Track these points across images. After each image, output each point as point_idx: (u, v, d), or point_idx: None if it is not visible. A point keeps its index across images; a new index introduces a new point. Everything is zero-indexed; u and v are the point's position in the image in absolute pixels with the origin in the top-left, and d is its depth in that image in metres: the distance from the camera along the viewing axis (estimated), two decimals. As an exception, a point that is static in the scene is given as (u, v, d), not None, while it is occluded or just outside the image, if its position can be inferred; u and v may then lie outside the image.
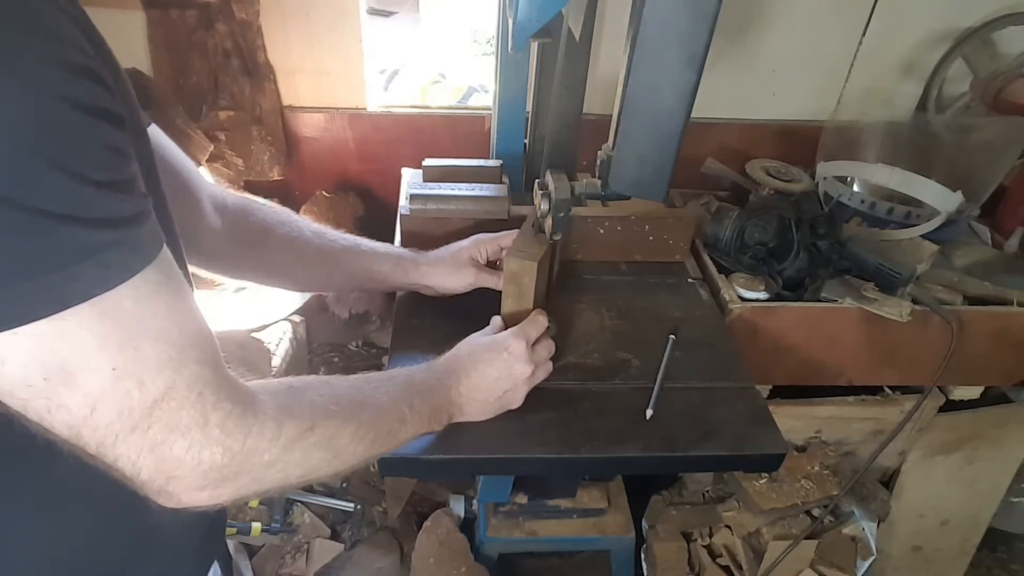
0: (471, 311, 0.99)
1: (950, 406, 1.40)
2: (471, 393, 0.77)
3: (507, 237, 0.98)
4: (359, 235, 0.96)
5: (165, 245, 0.46)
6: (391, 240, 1.17)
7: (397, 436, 0.67)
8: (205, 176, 0.87)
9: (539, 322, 0.83)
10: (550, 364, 0.84)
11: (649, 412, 0.88)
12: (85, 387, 0.42)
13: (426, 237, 1.09)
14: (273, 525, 1.41)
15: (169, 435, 0.46)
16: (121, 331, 0.42)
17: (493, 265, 1.01)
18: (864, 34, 1.45)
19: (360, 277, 0.95)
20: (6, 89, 0.36)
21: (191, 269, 0.85)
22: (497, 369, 0.78)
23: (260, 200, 0.88)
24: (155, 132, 0.72)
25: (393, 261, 0.96)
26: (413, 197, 1.08)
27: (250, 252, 0.85)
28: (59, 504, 0.54)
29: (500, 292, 0.93)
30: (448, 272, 0.97)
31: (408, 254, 0.97)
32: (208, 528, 0.70)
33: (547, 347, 0.84)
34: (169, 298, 0.45)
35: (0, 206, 0.36)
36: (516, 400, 0.81)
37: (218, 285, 1.43)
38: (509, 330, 0.81)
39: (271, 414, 0.52)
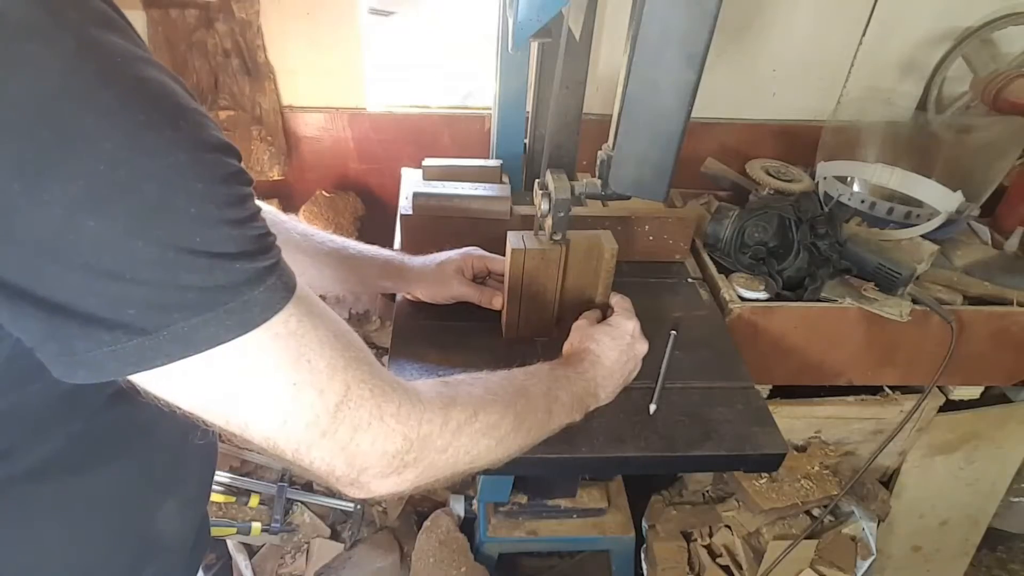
0: (472, 312, 0.99)
1: (950, 406, 1.40)
2: (605, 380, 0.82)
3: (496, 261, 0.98)
4: (359, 235, 0.96)
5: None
6: (391, 240, 1.17)
7: (548, 426, 0.71)
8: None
9: (628, 301, 0.90)
10: (647, 341, 0.88)
11: (652, 407, 0.88)
12: (273, 403, 0.45)
13: (426, 236, 1.09)
14: (273, 525, 1.41)
15: (355, 434, 0.49)
16: (293, 348, 0.45)
17: (480, 282, 1.00)
18: (864, 34, 1.45)
19: (348, 281, 0.95)
20: (174, 148, 0.38)
21: None
22: (624, 352, 0.84)
23: None
24: None
25: (380, 266, 0.95)
26: (416, 195, 1.08)
27: None
28: (74, 514, 0.54)
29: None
30: (433, 283, 0.98)
31: (396, 260, 0.97)
32: (196, 534, 0.71)
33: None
34: (318, 309, 0.48)
35: (185, 254, 0.39)
36: (633, 376, 0.87)
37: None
38: (621, 314, 0.87)
39: (436, 403, 0.55)
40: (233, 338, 0.41)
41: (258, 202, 0.64)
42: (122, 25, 0.39)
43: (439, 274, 0.98)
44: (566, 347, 0.85)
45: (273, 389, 0.45)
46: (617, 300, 0.91)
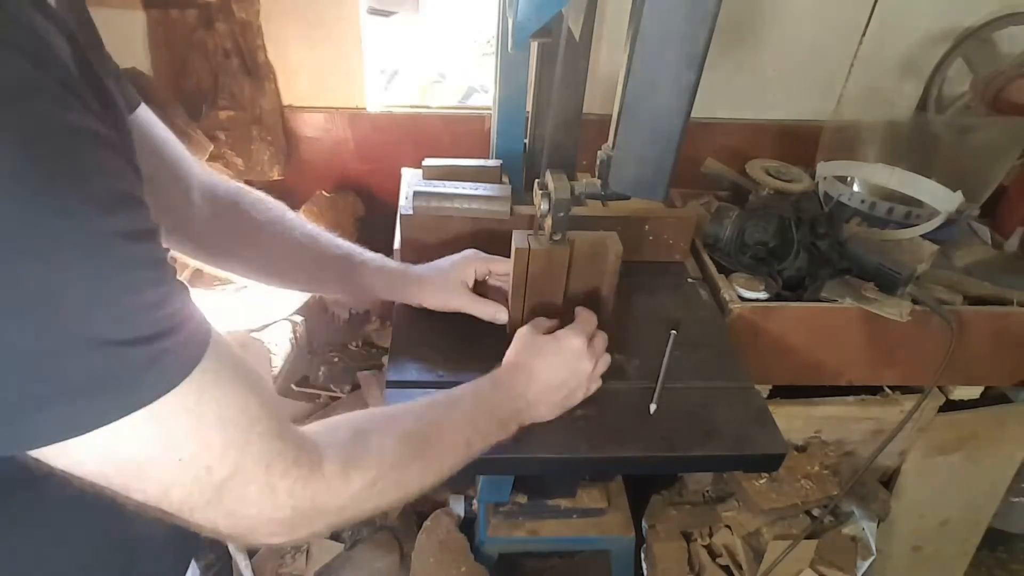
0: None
1: (950, 406, 1.40)
2: (540, 397, 0.79)
3: (499, 263, 0.98)
4: (358, 235, 0.96)
5: (213, 329, 0.47)
6: (391, 240, 1.17)
7: (465, 458, 0.69)
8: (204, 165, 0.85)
9: (591, 316, 0.85)
10: (608, 356, 0.85)
11: (653, 407, 0.88)
12: (156, 477, 0.45)
13: (426, 236, 1.09)
14: (273, 525, 1.41)
15: (240, 505, 0.48)
16: (185, 426, 0.44)
17: (482, 284, 1.00)
18: (864, 34, 1.45)
19: (349, 287, 0.94)
20: (73, 241, 0.37)
21: (183, 258, 0.85)
22: (563, 370, 0.80)
23: (255, 193, 0.86)
24: (145, 115, 0.71)
25: (384, 276, 0.95)
26: (416, 194, 1.08)
27: (237, 246, 0.84)
28: (53, 526, 0.54)
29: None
30: (437, 294, 0.96)
31: (398, 270, 0.96)
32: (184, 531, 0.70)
33: (603, 339, 0.85)
34: (228, 382, 0.46)
35: (76, 340, 0.39)
36: (580, 396, 0.83)
37: (217, 284, 1.43)
38: (568, 328, 0.82)
39: (338, 470, 0.54)
40: (119, 418, 0.41)
41: (248, 188, 0.63)
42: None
43: (444, 284, 0.96)
44: (507, 356, 0.82)
45: (159, 463, 0.44)
46: (579, 311, 0.86)
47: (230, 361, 0.47)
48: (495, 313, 0.96)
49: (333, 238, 0.92)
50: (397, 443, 0.60)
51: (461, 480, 1.53)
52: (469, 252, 0.99)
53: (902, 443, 1.43)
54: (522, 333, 0.83)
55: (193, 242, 0.80)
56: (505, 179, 1.16)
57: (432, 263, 0.99)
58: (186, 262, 1.32)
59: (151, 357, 0.41)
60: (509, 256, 0.91)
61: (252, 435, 0.47)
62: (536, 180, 0.92)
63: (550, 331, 0.84)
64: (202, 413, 0.45)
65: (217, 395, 0.45)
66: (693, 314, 1.09)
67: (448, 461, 0.66)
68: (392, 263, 0.97)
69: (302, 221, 0.90)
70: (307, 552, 1.43)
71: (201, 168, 0.80)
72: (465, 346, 0.96)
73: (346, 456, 0.55)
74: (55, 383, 0.39)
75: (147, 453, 0.43)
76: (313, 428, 0.56)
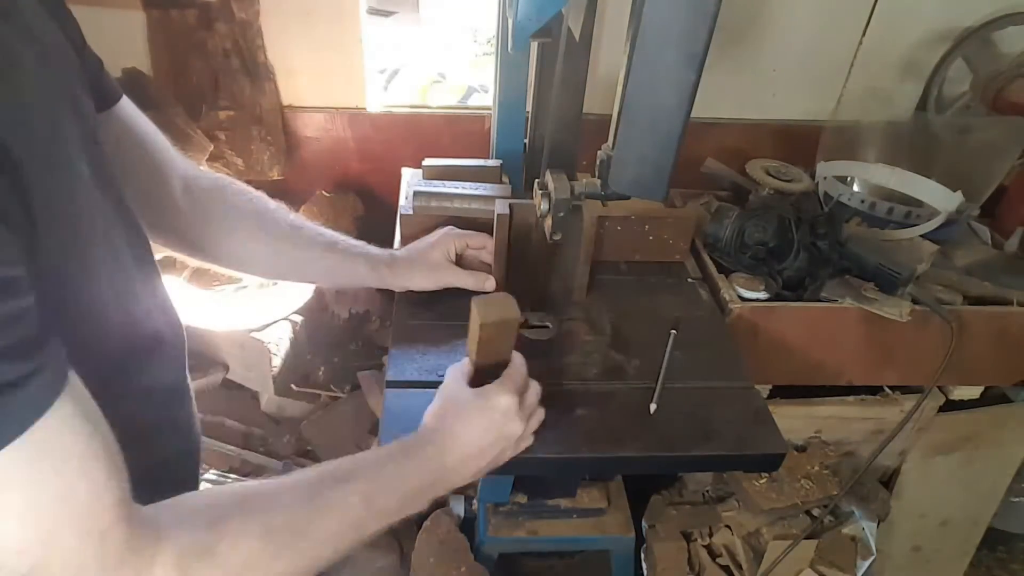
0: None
1: (950, 406, 1.40)
2: (460, 464, 0.69)
3: (475, 237, 1.00)
4: (358, 236, 0.96)
5: (58, 399, 0.42)
6: (391, 240, 1.17)
7: (353, 544, 0.59)
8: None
9: (521, 367, 0.74)
10: (542, 411, 0.75)
11: (653, 407, 0.88)
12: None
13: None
14: (273, 525, 1.41)
15: None
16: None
17: (460, 260, 1.02)
18: (864, 34, 1.45)
19: (337, 275, 0.95)
20: None
21: (182, 258, 0.84)
22: (489, 433, 0.69)
23: (237, 184, 0.85)
24: (127, 108, 0.70)
25: (368, 261, 0.94)
26: (417, 194, 1.08)
27: (220, 237, 0.83)
28: None
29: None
30: (422, 274, 0.98)
31: (383, 257, 0.96)
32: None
33: (535, 392, 0.74)
34: (48, 466, 0.41)
35: None
36: (508, 457, 0.73)
37: (217, 284, 1.43)
38: (496, 385, 0.70)
39: (171, 566, 0.46)
40: None
41: (231, 179, 0.61)
42: None
43: (427, 264, 0.98)
44: (426, 417, 0.72)
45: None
46: (513, 358, 0.74)
47: (62, 446, 0.42)
48: (483, 282, 0.98)
49: (317, 227, 0.91)
50: (258, 536, 0.51)
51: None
52: (446, 229, 1.01)
53: (902, 443, 1.43)
54: (447, 387, 0.73)
55: (176, 234, 0.79)
56: (505, 179, 1.16)
57: (411, 245, 1.01)
58: (185, 262, 1.32)
59: None
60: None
61: (64, 533, 0.42)
62: (536, 180, 0.92)
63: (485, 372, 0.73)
64: (27, 485, 0.40)
65: (27, 478, 0.41)
66: (693, 314, 1.09)
67: (326, 553, 0.57)
68: (375, 249, 0.97)
69: (285, 211, 0.89)
70: (307, 552, 1.43)
71: (184, 161, 0.79)
72: (465, 345, 0.96)
73: (188, 546, 0.48)
74: None
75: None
76: (163, 508, 0.49)
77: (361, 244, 0.95)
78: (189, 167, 0.80)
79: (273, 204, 0.88)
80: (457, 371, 0.74)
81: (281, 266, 0.91)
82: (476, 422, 0.69)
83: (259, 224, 0.85)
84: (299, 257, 0.89)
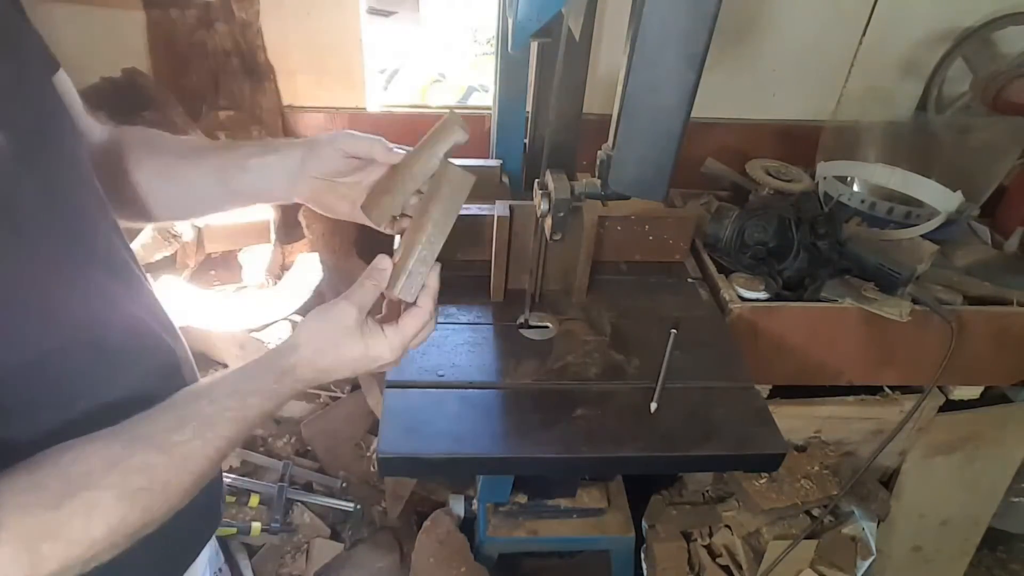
0: (462, 295, 0.99)
1: (950, 406, 1.40)
2: (307, 381, 0.63)
3: (375, 144, 0.80)
4: (358, 236, 0.95)
5: None
6: (391, 240, 1.17)
7: (207, 468, 0.56)
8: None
9: (429, 326, 0.68)
10: (427, 329, 0.68)
11: (653, 406, 0.88)
12: None
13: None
14: (273, 525, 1.41)
15: None
16: None
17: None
18: (864, 34, 1.45)
19: (240, 184, 0.75)
20: None
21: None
22: (355, 368, 0.65)
23: (129, 127, 0.76)
24: (61, 76, 0.63)
25: (266, 148, 0.76)
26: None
27: (122, 185, 0.72)
28: None
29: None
30: (310, 189, 0.81)
31: (282, 139, 0.79)
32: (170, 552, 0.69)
33: (427, 332, 0.68)
34: None
35: None
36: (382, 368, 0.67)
37: (217, 284, 1.43)
38: (386, 343, 0.66)
39: (21, 550, 0.44)
40: None
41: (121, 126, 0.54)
42: None
43: (312, 182, 0.79)
44: (302, 335, 0.65)
45: None
46: (425, 309, 0.68)
47: None
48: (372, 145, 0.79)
49: (214, 141, 0.81)
50: (115, 504, 0.49)
51: (461, 480, 1.53)
52: (336, 133, 0.81)
53: (902, 443, 1.43)
54: (340, 315, 0.65)
55: (119, 203, 0.68)
56: (505, 179, 1.16)
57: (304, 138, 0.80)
58: (186, 261, 1.30)
59: None
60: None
61: None
62: (536, 180, 0.92)
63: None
64: None
65: None
66: (693, 314, 1.09)
67: (189, 487, 0.55)
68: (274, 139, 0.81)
69: (182, 137, 0.78)
70: (307, 552, 1.43)
71: (84, 122, 0.71)
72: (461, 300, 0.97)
73: (37, 533, 0.45)
74: None
75: None
76: (4, 487, 0.45)
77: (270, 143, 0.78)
78: (89, 127, 0.71)
79: (168, 134, 0.77)
80: (346, 301, 0.66)
81: (191, 201, 0.76)
82: (347, 364, 0.64)
83: (151, 154, 0.74)
84: (196, 174, 0.74)
